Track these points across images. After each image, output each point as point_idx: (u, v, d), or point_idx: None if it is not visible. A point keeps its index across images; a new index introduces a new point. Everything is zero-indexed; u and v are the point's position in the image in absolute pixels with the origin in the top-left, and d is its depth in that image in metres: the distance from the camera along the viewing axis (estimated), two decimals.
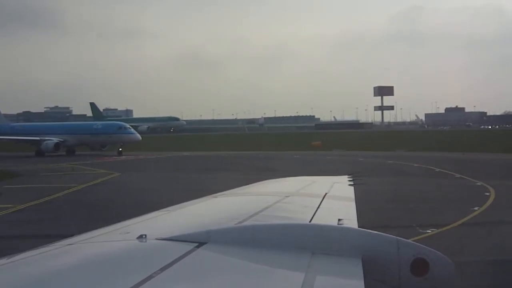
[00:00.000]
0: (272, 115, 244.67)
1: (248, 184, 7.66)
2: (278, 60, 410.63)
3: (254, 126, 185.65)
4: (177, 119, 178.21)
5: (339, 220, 3.95)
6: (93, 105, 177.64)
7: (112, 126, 61.25)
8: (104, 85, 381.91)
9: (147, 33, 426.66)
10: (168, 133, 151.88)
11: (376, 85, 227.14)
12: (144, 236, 3.22)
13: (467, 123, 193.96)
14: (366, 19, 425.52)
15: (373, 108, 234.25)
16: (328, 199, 5.44)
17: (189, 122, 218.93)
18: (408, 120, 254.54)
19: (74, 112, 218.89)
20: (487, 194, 22.55)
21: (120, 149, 57.56)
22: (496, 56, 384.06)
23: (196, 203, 5.55)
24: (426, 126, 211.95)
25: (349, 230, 3.39)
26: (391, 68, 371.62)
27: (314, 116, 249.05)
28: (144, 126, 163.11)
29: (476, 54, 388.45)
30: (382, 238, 3.15)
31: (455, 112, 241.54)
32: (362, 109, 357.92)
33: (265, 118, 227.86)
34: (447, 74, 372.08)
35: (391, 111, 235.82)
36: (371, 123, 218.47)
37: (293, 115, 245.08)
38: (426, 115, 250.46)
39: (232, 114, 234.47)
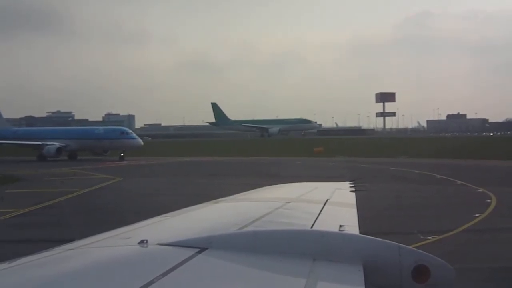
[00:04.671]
0: None
1: (248, 191, 7.65)
2: (280, 66, 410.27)
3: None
4: (308, 121, 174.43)
5: (340, 226, 3.95)
6: (215, 106, 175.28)
7: (114, 131, 61.29)
8: (106, 90, 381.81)
9: (150, 38, 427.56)
10: (299, 136, 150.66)
11: (378, 92, 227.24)
12: (145, 241, 3.23)
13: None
14: (368, 27, 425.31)
15: (375, 115, 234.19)
16: (329, 205, 5.44)
17: (190, 127, 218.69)
18: (410, 126, 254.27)
19: (76, 117, 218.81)
20: (489, 201, 22.51)
21: (122, 154, 57.60)
22: (498, 62, 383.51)
23: (197, 208, 5.55)
24: (427, 131, 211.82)
25: (350, 236, 3.38)
26: (393, 74, 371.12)
27: (316, 122, 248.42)
28: (276, 128, 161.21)
29: (478, 61, 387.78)
30: (384, 245, 3.15)
31: (456, 119, 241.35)
32: (364, 115, 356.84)
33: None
34: (449, 80, 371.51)
35: (393, 117, 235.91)
36: (373, 129, 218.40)
37: None
38: (428, 122, 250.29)
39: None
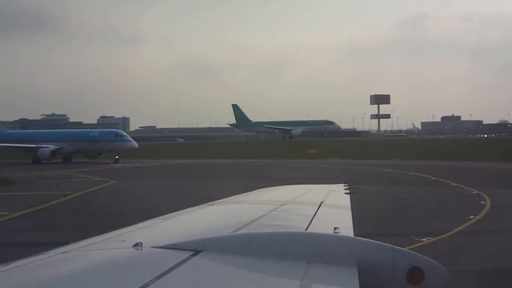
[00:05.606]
0: None
1: (242, 193, 7.66)
2: (275, 68, 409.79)
3: (250, 134, 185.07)
4: (331, 122, 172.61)
5: (335, 228, 3.95)
6: (235, 107, 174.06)
7: (109, 134, 61.30)
8: (101, 92, 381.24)
9: (146, 41, 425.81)
10: (321, 137, 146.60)
11: (373, 94, 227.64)
12: (139, 244, 3.22)
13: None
14: (363, 29, 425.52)
15: (369, 117, 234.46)
16: (324, 207, 5.44)
17: (185, 130, 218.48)
18: (405, 128, 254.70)
19: (70, 120, 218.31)
20: (483, 202, 22.57)
21: (117, 157, 57.58)
22: (493, 65, 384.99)
23: (191, 211, 5.55)
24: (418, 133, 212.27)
25: (345, 238, 3.39)
26: (388, 76, 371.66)
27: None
28: (299, 130, 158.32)
29: (473, 63, 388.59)
30: (378, 247, 3.15)
31: (451, 120, 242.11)
32: (359, 117, 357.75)
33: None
34: (444, 82, 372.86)
35: (388, 119, 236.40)
36: (368, 131, 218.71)
37: None
38: (422, 124, 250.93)
39: (229, 122, 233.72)
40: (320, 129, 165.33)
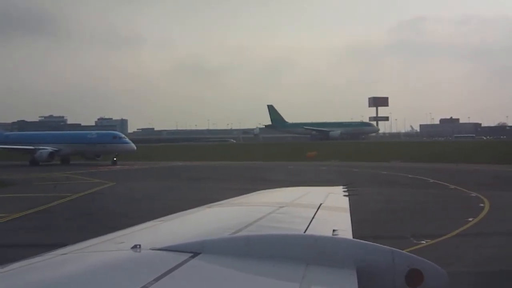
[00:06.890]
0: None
1: (234, 194, 7.66)
2: (273, 70, 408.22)
3: (249, 137, 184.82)
4: (369, 124, 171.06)
5: (333, 230, 3.95)
6: (271, 108, 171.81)
7: (107, 136, 61.29)
8: (99, 94, 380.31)
9: (144, 42, 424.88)
10: (358, 140, 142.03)
11: (371, 96, 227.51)
12: (138, 246, 3.22)
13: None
14: (361, 32, 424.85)
15: (367, 119, 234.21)
16: (323, 209, 5.43)
17: (183, 132, 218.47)
18: (403, 130, 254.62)
19: (68, 121, 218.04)
20: (482, 205, 22.58)
21: (115, 159, 57.58)
22: (492, 67, 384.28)
23: (190, 213, 5.54)
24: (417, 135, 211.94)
25: (343, 241, 3.38)
26: (386, 79, 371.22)
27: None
28: (337, 132, 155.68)
29: (472, 65, 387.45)
30: (377, 249, 3.15)
31: (449, 123, 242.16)
32: (357, 119, 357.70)
33: (260, 128, 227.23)
34: (442, 85, 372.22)
35: (386, 121, 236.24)
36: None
37: None
38: (421, 126, 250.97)
39: (227, 124, 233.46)
40: (359, 131, 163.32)
